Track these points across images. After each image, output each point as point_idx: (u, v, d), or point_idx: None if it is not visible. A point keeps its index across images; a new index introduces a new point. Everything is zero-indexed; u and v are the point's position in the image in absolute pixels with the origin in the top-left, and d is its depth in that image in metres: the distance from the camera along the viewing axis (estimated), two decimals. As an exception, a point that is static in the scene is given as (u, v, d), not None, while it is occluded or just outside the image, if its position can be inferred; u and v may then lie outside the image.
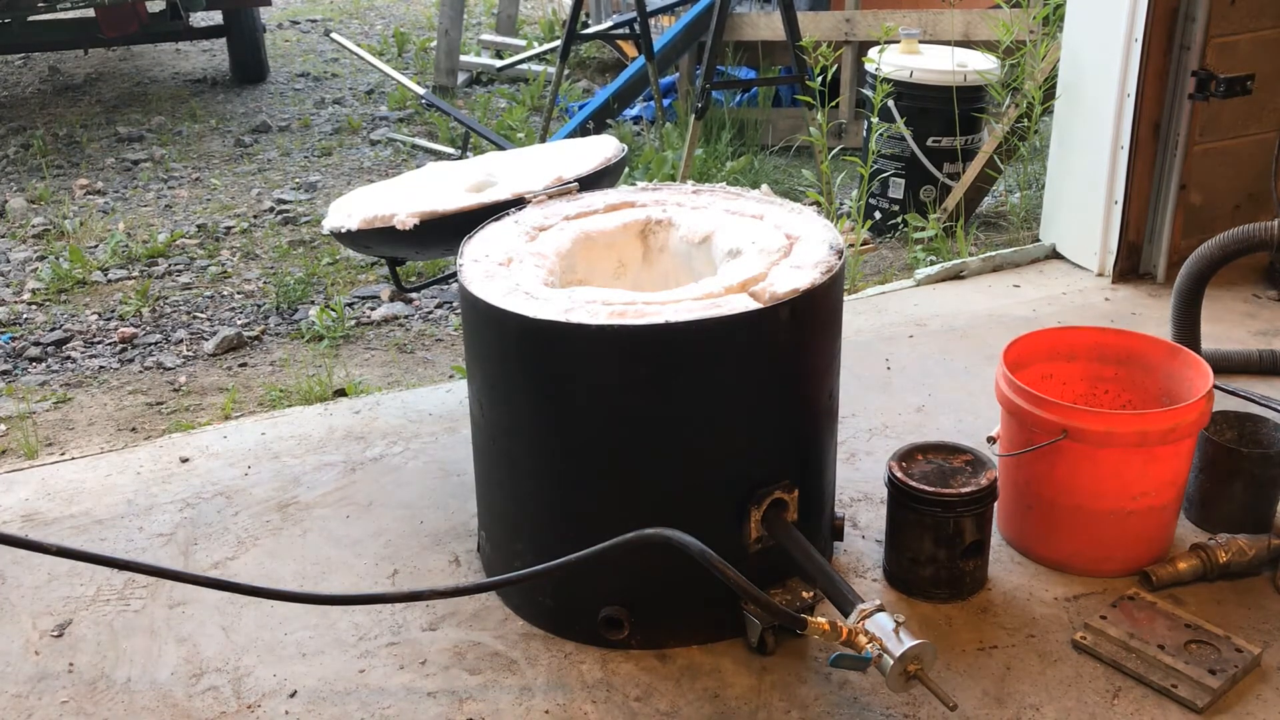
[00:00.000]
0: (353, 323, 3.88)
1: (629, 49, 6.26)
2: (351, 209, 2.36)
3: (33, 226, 4.77)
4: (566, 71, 5.76)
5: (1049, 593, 2.08)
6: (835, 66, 4.17)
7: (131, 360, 3.68)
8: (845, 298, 2.17)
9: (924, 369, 2.87)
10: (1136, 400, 2.25)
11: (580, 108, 5.67)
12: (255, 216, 4.92)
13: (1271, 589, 2.06)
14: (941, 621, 2.01)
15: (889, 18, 4.94)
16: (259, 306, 4.04)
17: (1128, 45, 3.11)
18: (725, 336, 1.81)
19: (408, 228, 2.22)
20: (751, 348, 1.85)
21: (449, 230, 2.20)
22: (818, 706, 1.83)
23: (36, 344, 3.77)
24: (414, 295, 4.05)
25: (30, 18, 6.30)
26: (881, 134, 4.10)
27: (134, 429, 3.23)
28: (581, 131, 5.24)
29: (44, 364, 3.66)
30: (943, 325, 3.12)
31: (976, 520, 2.01)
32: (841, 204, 4.65)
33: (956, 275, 3.43)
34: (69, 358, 3.70)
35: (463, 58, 6.92)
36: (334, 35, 6.43)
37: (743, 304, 1.83)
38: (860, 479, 2.41)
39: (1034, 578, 2.12)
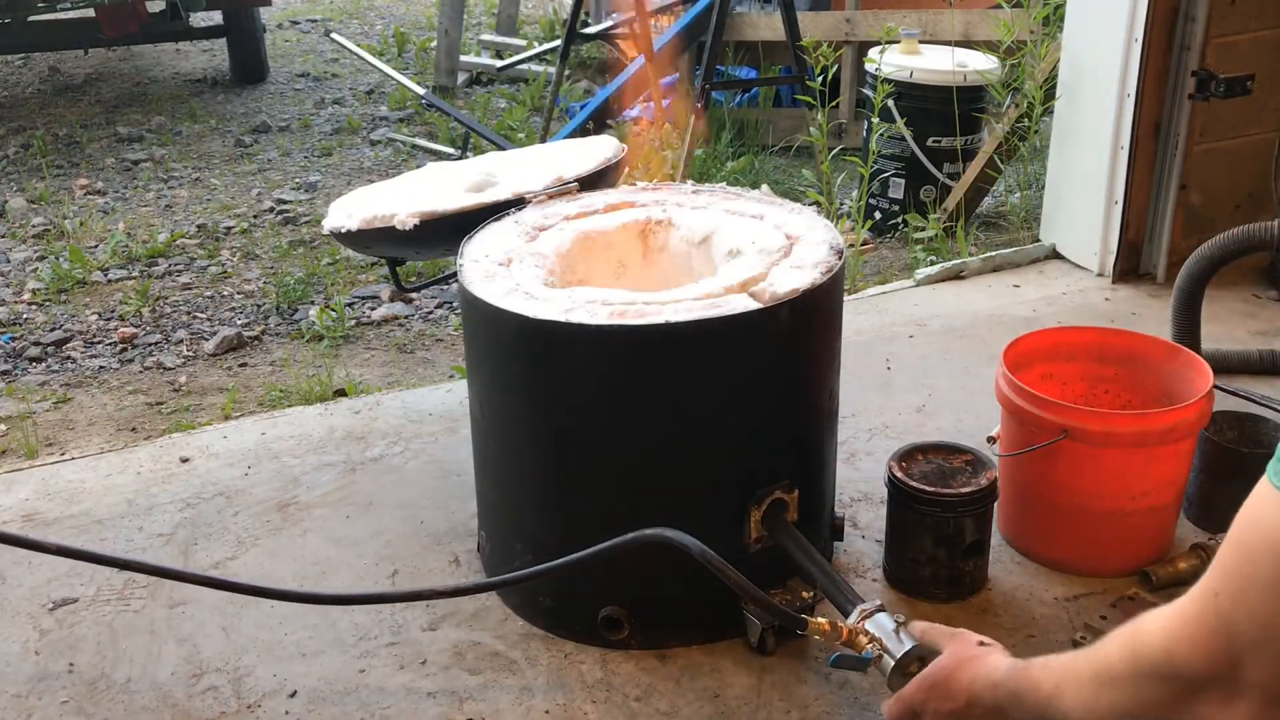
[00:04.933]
0: (353, 323, 3.88)
1: (629, 49, 6.25)
2: (351, 209, 2.36)
3: (33, 226, 4.77)
4: (566, 71, 5.76)
5: (1049, 593, 2.08)
6: (835, 66, 4.17)
7: (131, 360, 3.68)
8: (845, 298, 2.17)
9: (924, 369, 2.87)
10: (1136, 400, 2.25)
11: (580, 108, 5.67)
12: (255, 216, 4.92)
13: (1271, 589, 2.06)
14: (941, 621, 1.99)
15: (889, 18, 4.94)
16: (259, 306, 4.04)
17: (1128, 45, 3.11)
18: (725, 336, 1.81)
19: (408, 228, 2.22)
20: (751, 348, 1.85)
21: (449, 230, 2.20)
22: (818, 706, 1.83)
23: (36, 344, 3.77)
24: (414, 295, 4.04)
25: (30, 18, 6.30)
26: (882, 134, 4.10)
27: (134, 429, 3.23)
28: (581, 132, 5.24)
29: (44, 364, 3.66)
30: (943, 325, 3.12)
31: (976, 520, 2.01)
32: (841, 204, 4.65)
33: (956, 275, 3.43)
34: (69, 358, 3.70)
35: (463, 58, 6.92)
36: (334, 35, 6.43)
37: (743, 304, 1.83)
38: (860, 479, 2.41)
39: (1034, 578, 2.12)
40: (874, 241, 4.27)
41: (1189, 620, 1.13)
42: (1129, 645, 1.20)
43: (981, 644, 1.56)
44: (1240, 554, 1.09)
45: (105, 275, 4.31)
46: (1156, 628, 1.17)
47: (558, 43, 5.93)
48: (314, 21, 8.77)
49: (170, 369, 3.62)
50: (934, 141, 4.24)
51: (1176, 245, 3.24)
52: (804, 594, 1.94)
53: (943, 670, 1.54)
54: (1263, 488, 1.07)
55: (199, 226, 4.77)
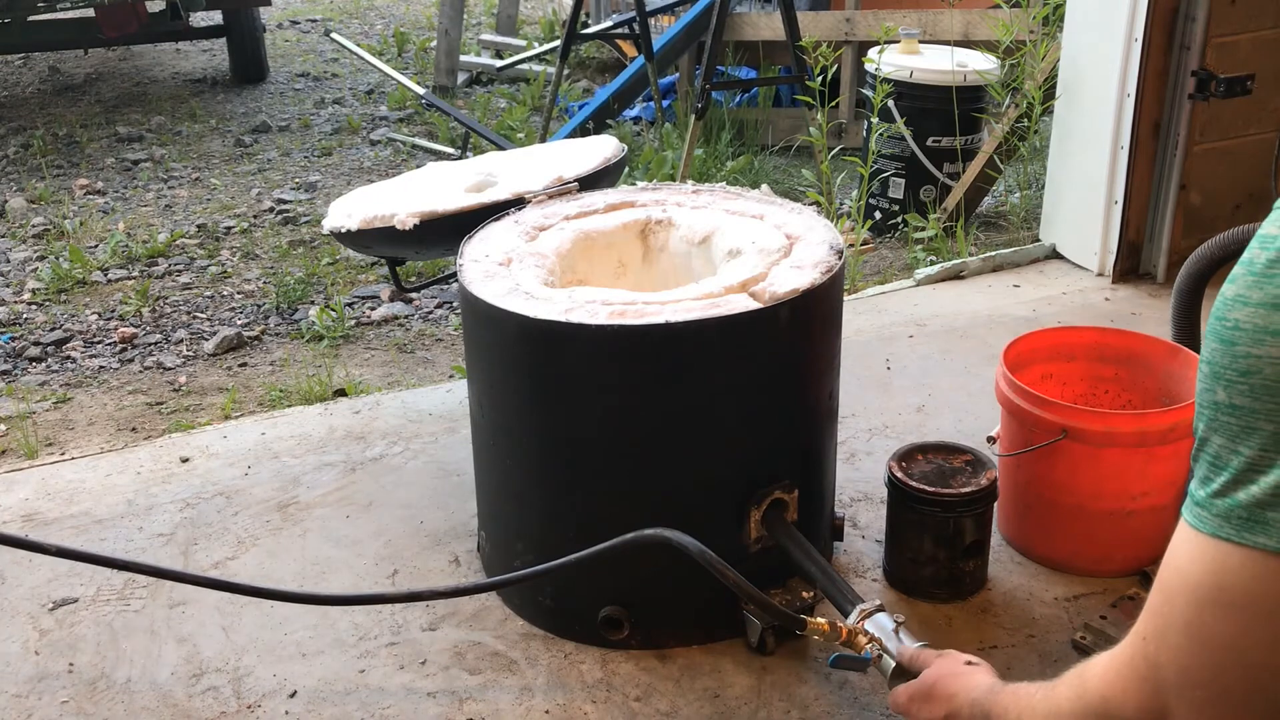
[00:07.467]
0: (353, 323, 3.88)
1: (629, 49, 6.26)
2: (351, 209, 2.36)
3: (33, 226, 4.77)
4: (566, 71, 5.76)
5: (1049, 593, 2.08)
6: (835, 66, 4.17)
7: (131, 360, 3.68)
8: (845, 298, 2.17)
9: (924, 369, 2.87)
10: (1136, 400, 2.25)
11: (580, 108, 5.67)
12: (255, 216, 4.92)
13: (1271, 589, 2.06)
14: (941, 621, 2.01)
15: (889, 18, 4.94)
16: (259, 306, 4.04)
17: (1128, 45, 3.11)
18: (725, 336, 1.81)
19: (408, 228, 2.22)
20: (751, 348, 1.85)
21: (449, 230, 2.20)
22: (818, 706, 1.83)
23: (36, 344, 3.77)
24: (414, 295, 4.05)
25: (30, 18, 6.30)
26: (881, 134, 4.10)
27: (134, 429, 3.23)
28: (581, 131, 5.24)
29: (44, 364, 3.66)
30: (943, 325, 3.12)
31: (976, 520, 2.01)
32: (841, 204, 4.65)
33: (956, 275, 3.43)
34: (69, 358, 3.70)
35: (463, 58, 6.92)
36: (334, 35, 6.43)
37: (743, 304, 1.83)
38: (860, 479, 2.41)
39: (1034, 578, 2.12)
40: (874, 241, 4.27)
41: (1122, 664, 1.12)
42: (1075, 687, 1.20)
43: (969, 663, 1.58)
44: (1161, 596, 1.07)
45: (105, 275, 4.31)
46: (1097, 671, 1.16)
47: (558, 43, 5.93)
48: (314, 21, 8.77)
49: (170, 369, 3.62)
50: (934, 141, 4.24)
51: (1176, 245, 3.24)
52: (804, 594, 1.94)
53: (926, 681, 1.59)
54: (1180, 527, 1.06)
55: (199, 226, 4.77)
